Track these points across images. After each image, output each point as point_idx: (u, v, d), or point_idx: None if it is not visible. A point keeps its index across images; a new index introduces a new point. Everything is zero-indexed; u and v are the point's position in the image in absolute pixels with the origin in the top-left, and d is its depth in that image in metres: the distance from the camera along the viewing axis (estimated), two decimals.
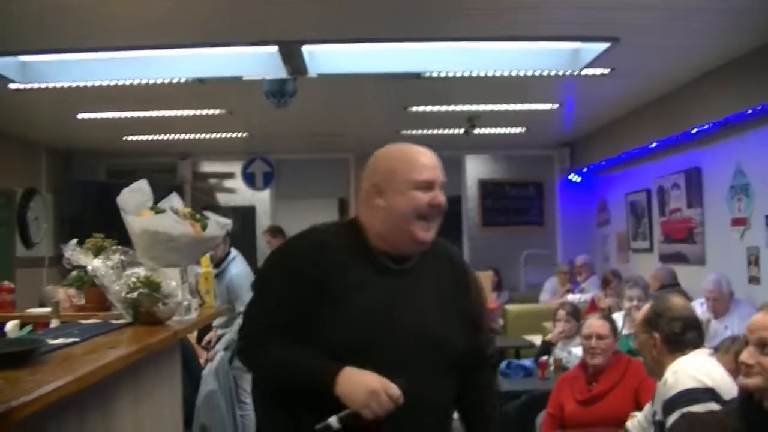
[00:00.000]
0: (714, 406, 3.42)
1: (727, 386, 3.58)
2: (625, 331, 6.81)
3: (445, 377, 2.88)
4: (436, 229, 2.90)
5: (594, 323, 5.59)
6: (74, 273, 4.05)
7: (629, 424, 4.30)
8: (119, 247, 3.84)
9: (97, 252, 3.84)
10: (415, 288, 2.87)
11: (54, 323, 3.72)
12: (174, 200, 4.08)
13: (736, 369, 3.22)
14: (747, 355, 2.86)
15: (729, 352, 4.62)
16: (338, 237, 2.90)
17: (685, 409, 3.44)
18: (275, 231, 10.98)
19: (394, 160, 2.92)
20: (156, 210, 3.91)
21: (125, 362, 2.84)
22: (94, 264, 3.68)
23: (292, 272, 2.80)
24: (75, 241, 3.89)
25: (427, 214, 2.83)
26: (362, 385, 2.61)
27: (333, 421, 2.57)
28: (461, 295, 2.99)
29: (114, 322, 3.54)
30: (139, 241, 3.81)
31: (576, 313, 7.21)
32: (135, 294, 3.49)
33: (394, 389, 2.60)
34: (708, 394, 3.50)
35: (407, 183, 2.83)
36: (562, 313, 7.28)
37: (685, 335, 3.86)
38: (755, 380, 2.83)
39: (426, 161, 2.91)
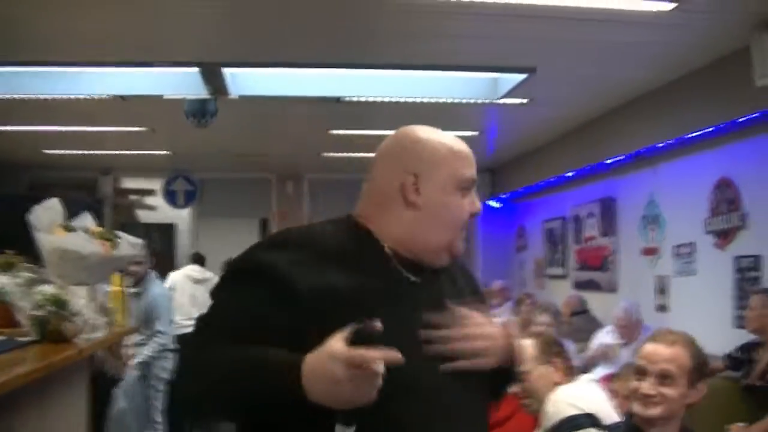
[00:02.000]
0: None
1: (607, 412, 3.69)
2: None
3: (484, 396, 2.27)
4: None
5: None
6: None
7: None
8: (28, 264, 3.86)
9: (6, 268, 3.84)
10: (439, 302, 2.14)
11: None
12: (86, 219, 4.11)
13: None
14: (648, 386, 2.92)
15: (628, 378, 4.74)
16: (342, 242, 2.12)
17: None
18: (195, 259, 10.77)
19: (440, 148, 2.23)
20: (67, 228, 3.93)
21: (28, 379, 2.84)
22: (1, 280, 3.68)
23: (273, 290, 1.96)
24: None
25: (466, 222, 2.22)
26: (327, 376, 1.80)
27: None
28: (473, 291, 2.38)
29: (20, 339, 3.52)
30: (50, 259, 3.82)
31: None
32: (42, 311, 3.49)
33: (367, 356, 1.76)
34: (589, 419, 3.60)
35: (453, 180, 2.19)
36: None
37: None
38: (656, 410, 2.91)
39: (469, 153, 2.28)
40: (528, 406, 4.06)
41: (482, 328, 2.16)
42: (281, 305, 1.95)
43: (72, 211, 4.11)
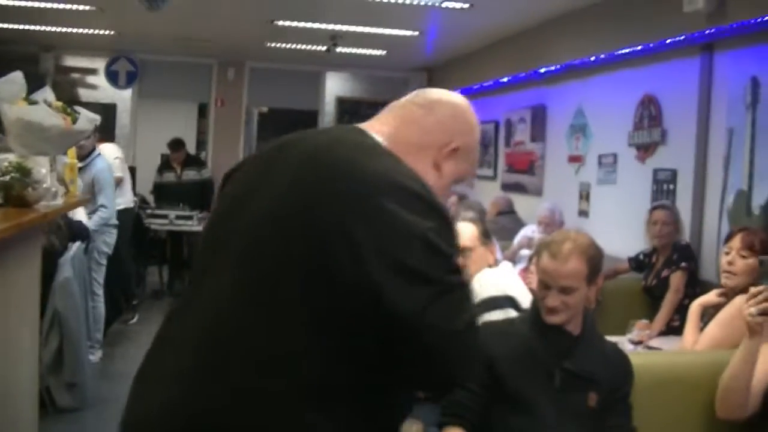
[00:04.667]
0: (512, 313, 3.88)
1: (525, 297, 4.04)
2: None
3: None
4: None
5: None
6: None
7: None
8: None
9: None
10: None
11: None
12: (47, 93, 4.30)
13: None
14: (551, 299, 3.13)
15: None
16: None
17: (485, 316, 3.87)
18: (177, 144, 10.95)
19: (476, 145, 2.28)
20: (29, 101, 4.12)
21: None
22: None
23: None
24: None
25: None
26: None
27: None
28: None
29: None
30: (13, 129, 3.99)
31: None
32: (7, 177, 3.69)
33: None
34: (508, 302, 3.96)
35: (462, 175, 2.24)
36: None
37: None
38: (560, 317, 3.15)
39: None
40: None
41: None
42: None
43: None
